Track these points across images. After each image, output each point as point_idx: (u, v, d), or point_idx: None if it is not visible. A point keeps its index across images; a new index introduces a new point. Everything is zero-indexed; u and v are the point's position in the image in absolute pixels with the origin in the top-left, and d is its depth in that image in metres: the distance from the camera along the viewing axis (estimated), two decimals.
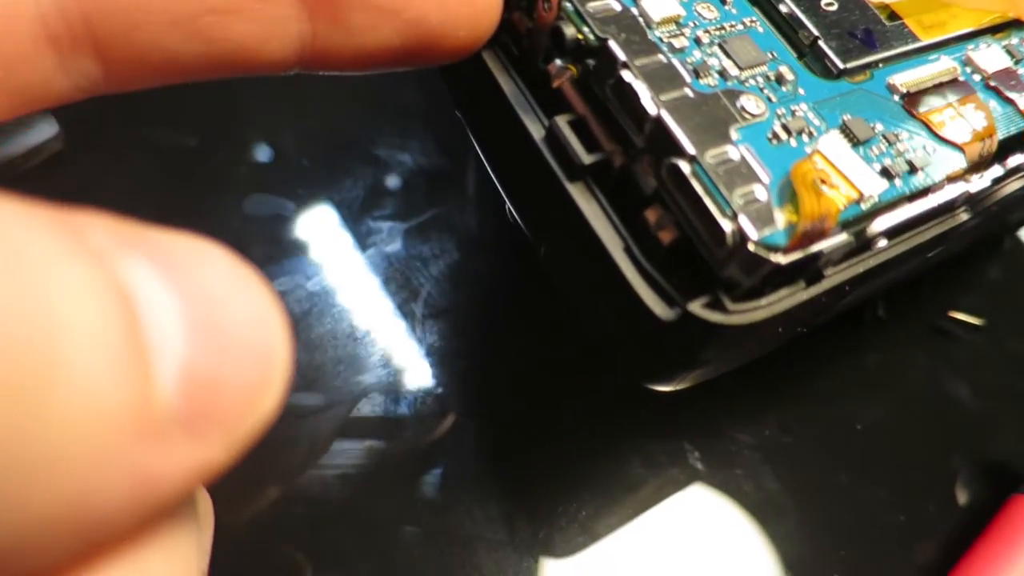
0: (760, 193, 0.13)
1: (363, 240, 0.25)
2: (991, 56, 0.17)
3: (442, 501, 0.20)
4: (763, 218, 0.13)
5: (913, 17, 0.17)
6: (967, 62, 0.17)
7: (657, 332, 0.14)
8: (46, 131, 0.24)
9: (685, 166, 0.13)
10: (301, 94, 0.27)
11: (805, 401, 0.23)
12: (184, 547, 0.07)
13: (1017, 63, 0.18)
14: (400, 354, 0.22)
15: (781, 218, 0.13)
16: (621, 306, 0.14)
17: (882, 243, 0.15)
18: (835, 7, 0.17)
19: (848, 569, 0.21)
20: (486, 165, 0.18)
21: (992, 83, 0.17)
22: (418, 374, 0.22)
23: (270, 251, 0.24)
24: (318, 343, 0.22)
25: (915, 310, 0.25)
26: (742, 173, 0.13)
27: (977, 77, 0.17)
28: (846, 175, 0.14)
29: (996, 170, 0.16)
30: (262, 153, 0.26)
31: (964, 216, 0.17)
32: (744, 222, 0.13)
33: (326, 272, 0.24)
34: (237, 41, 0.09)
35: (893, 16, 0.17)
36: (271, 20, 0.09)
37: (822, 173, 0.14)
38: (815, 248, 0.13)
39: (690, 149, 0.13)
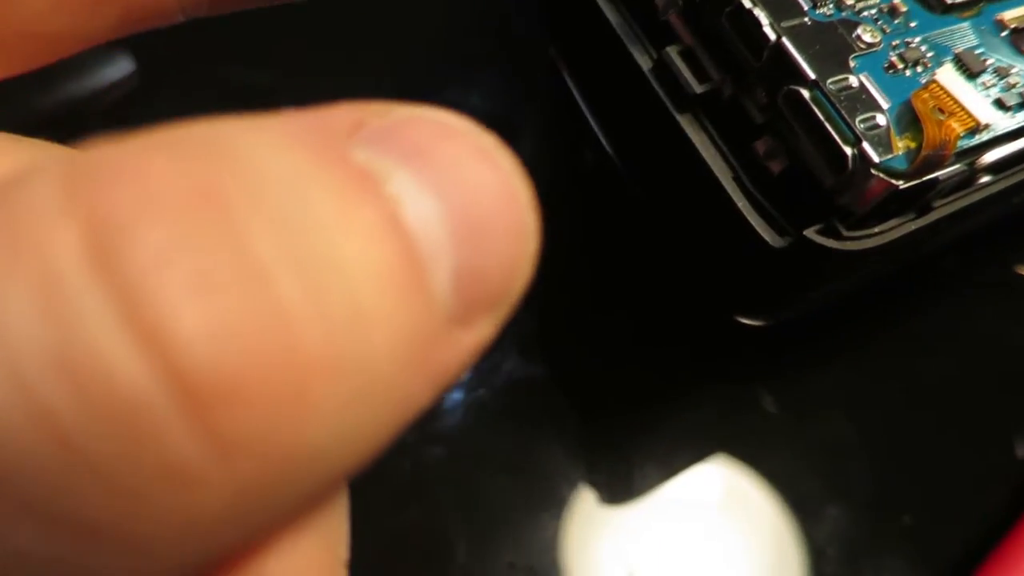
0: (880, 119, 0.13)
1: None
2: None
3: (523, 440, 0.21)
4: (884, 144, 0.13)
5: None
6: None
7: (768, 259, 0.14)
8: (124, 67, 0.24)
9: (806, 92, 0.13)
10: (367, 37, 0.27)
11: (877, 349, 0.23)
12: (333, 531, 0.07)
13: None
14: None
15: (901, 144, 0.13)
16: (731, 235, 0.15)
17: (986, 179, 0.16)
18: None
19: (917, 513, 0.21)
20: (580, 103, 0.19)
21: None
22: None
23: None
24: None
25: (985, 264, 0.25)
26: (862, 99, 0.13)
27: None
28: (964, 104, 0.14)
29: None
30: (330, 93, 0.26)
31: None
32: (867, 147, 0.13)
33: None
34: None
35: None
36: None
37: (939, 102, 0.14)
38: (933, 175, 0.14)
39: (811, 75, 0.13)
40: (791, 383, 0.22)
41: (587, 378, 0.22)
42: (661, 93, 0.15)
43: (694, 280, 0.18)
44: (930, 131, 0.13)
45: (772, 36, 0.14)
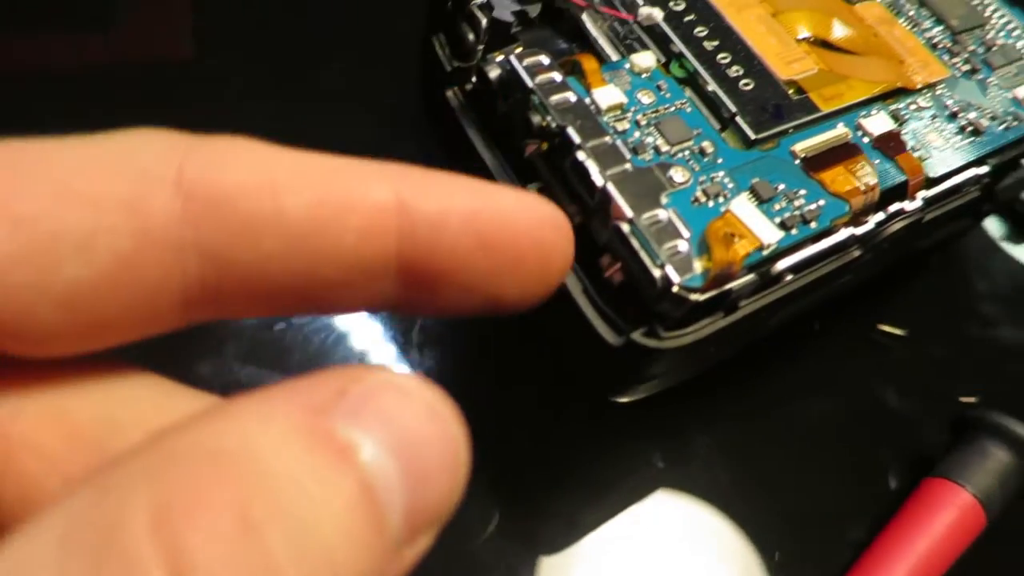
0: (682, 246, 0.17)
1: None
2: (878, 121, 0.22)
3: None
4: (684, 266, 0.17)
5: (816, 91, 0.22)
6: (858, 127, 0.21)
7: (609, 355, 0.18)
8: None
9: (625, 226, 0.17)
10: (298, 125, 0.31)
11: (754, 403, 0.27)
12: None
13: (901, 125, 0.22)
14: None
15: (699, 265, 0.17)
16: (582, 335, 0.19)
17: (788, 278, 0.20)
18: (751, 85, 0.21)
19: (789, 549, 0.25)
20: None
21: (877, 144, 0.21)
22: None
23: None
24: (317, 367, 0.26)
25: (848, 323, 0.29)
26: (668, 231, 0.17)
27: (866, 139, 0.21)
28: (750, 228, 0.18)
29: (879, 215, 0.20)
30: None
31: (857, 253, 0.21)
32: (669, 270, 0.17)
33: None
34: (337, 304, 0.10)
35: (800, 90, 0.21)
36: (372, 294, 0.10)
37: (730, 228, 0.18)
38: (726, 287, 0.18)
39: (628, 213, 0.17)
40: (675, 440, 0.26)
41: (497, 439, 0.25)
42: None
43: (570, 367, 0.21)
44: (717, 254, 0.17)
45: (600, 183, 0.18)
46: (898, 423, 0.28)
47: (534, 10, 0.21)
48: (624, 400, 0.21)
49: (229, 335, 0.25)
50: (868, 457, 0.27)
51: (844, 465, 0.27)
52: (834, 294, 0.25)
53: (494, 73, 0.20)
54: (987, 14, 0.27)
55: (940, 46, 0.25)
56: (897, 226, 0.21)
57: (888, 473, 0.27)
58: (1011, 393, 0.29)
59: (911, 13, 0.25)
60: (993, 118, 0.23)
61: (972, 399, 0.28)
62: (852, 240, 0.20)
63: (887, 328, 0.29)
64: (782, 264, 0.19)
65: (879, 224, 0.20)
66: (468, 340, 0.28)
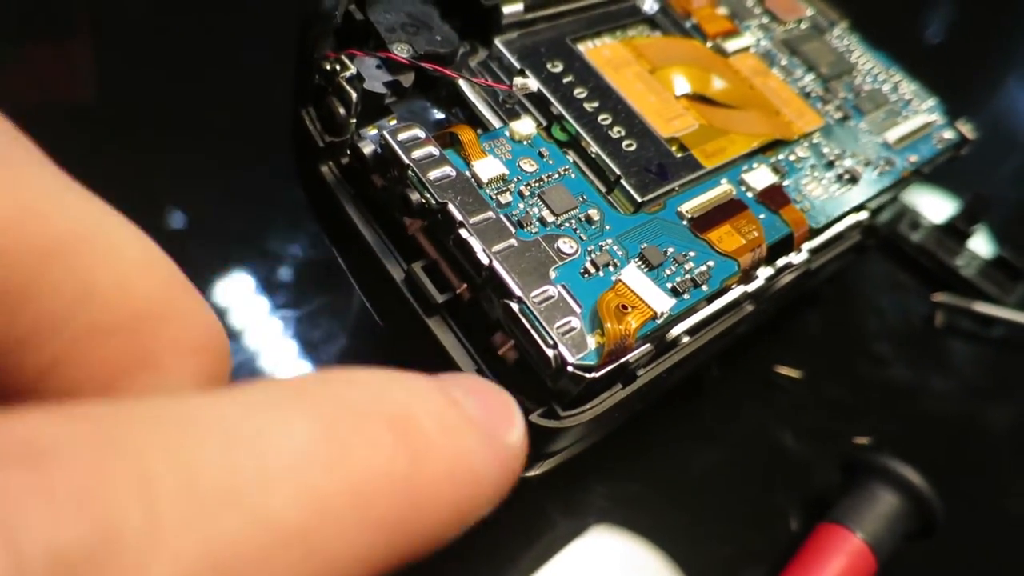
0: (575, 323, 0.17)
1: (256, 329, 0.27)
2: (760, 175, 0.22)
3: None
4: (578, 344, 0.16)
5: (698, 147, 0.22)
6: (741, 182, 0.21)
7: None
8: None
9: (515, 305, 0.17)
10: (191, 188, 0.29)
11: (651, 452, 0.27)
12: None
13: (782, 177, 0.22)
14: None
15: (592, 341, 0.17)
16: None
17: (685, 340, 0.19)
18: (634, 146, 0.21)
19: None
20: (360, 293, 0.21)
21: (761, 199, 0.21)
22: None
23: None
24: None
25: (745, 366, 0.29)
26: (560, 307, 0.17)
27: (750, 194, 0.21)
28: (642, 298, 0.18)
29: (768, 270, 0.20)
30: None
31: (750, 308, 0.21)
32: (563, 349, 0.16)
33: None
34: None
35: (682, 148, 0.21)
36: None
37: (622, 299, 0.17)
38: (622, 360, 0.17)
39: (517, 292, 0.17)
40: (572, 495, 0.25)
41: None
42: (412, 301, 0.18)
43: None
44: (610, 329, 0.17)
45: (485, 260, 0.17)
46: (795, 466, 0.28)
47: (408, 79, 0.20)
48: (533, 474, 0.20)
49: None
50: (766, 502, 0.27)
51: (742, 511, 0.26)
52: (730, 344, 0.25)
53: (368, 149, 0.19)
54: (853, 60, 0.28)
55: (813, 94, 0.26)
56: (787, 279, 0.21)
57: (788, 517, 0.27)
58: (903, 432, 0.30)
59: (783, 62, 0.26)
60: (867, 163, 0.24)
61: (865, 440, 0.28)
62: (744, 297, 0.20)
63: (784, 371, 0.29)
64: (677, 330, 0.18)
65: (769, 279, 0.20)
66: None
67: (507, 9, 0.22)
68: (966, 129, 0.27)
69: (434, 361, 0.18)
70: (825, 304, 0.33)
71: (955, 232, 0.35)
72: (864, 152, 0.24)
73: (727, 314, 0.20)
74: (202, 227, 0.29)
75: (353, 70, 0.19)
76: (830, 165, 0.23)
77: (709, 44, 0.25)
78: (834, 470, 0.26)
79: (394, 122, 0.19)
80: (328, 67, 0.19)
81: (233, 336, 0.27)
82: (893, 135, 0.25)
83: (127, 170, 0.29)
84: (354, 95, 0.19)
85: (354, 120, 0.19)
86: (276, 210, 0.30)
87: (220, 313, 0.27)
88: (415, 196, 0.18)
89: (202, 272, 0.28)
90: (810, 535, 0.24)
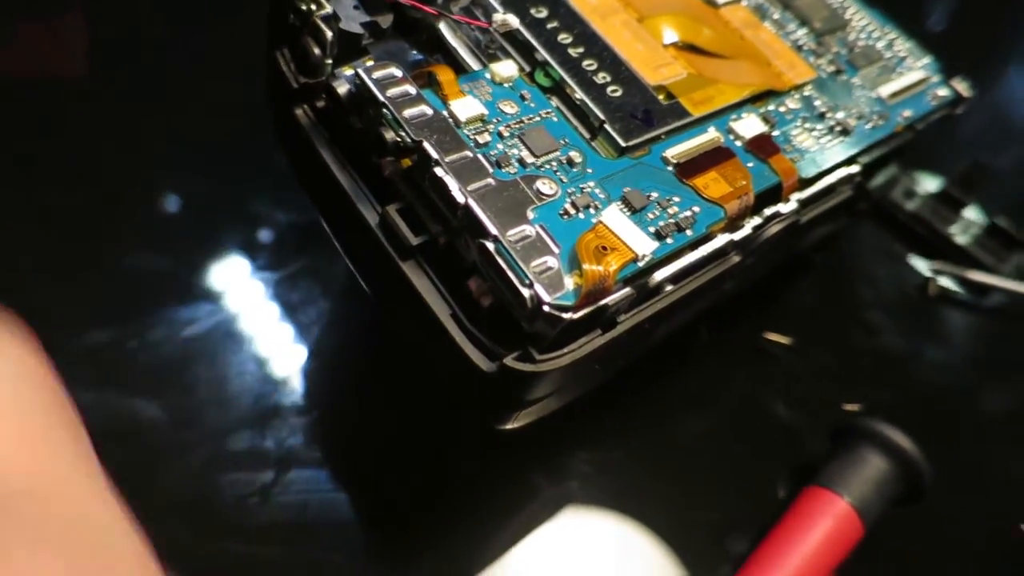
0: (552, 263, 0.16)
1: (236, 291, 0.27)
2: (749, 124, 0.21)
3: (314, 530, 0.22)
4: (555, 284, 0.16)
5: (686, 95, 0.21)
6: (729, 131, 0.21)
7: (484, 382, 0.17)
8: None
9: (490, 245, 0.16)
10: (180, 155, 0.29)
11: (636, 419, 0.26)
12: None
13: (772, 127, 0.22)
14: (268, 397, 0.24)
15: (570, 282, 0.16)
16: (454, 363, 0.17)
17: (668, 288, 0.19)
18: (620, 92, 0.20)
19: (665, 564, 0.24)
20: (334, 241, 0.21)
21: (750, 147, 0.21)
22: (286, 415, 0.24)
23: (147, 302, 0.25)
24: (192, 386, 0.24)
25: (735, 333, 0.29)
26: (537, 247, 0.16)
27: (738, 143, 0.21)
28: (623, 240, 0.17)
29: (756, 219, 0.20)
30: (144, 213, 0.28)
31: (736, 258, 0.20)
32: (539, 289, 0.16)
33: (200, 322, 0.25)
34: None
35: (669, 96, 0.21)
36: None
37: (603, 240, 0.17)
38: (601, 303, 0.16)
39: (493, 231, 0.16)
40: (557, 457, 0.25)
41: (369, 467, 0.24)
42: (386, 245, 0.18)
43: (453, 395, 0.20)
44: (588, 270, 0.16)
45: (461, 199, 0.16)
46: (785, 433, 0.27)
47: (386, 21, 0.19)
48: (512, 427, 0.20)
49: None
50: (753, 469, 0.26)
51: (728, 478, 0.26)
52: (719, 301, 0.24)
53: (343, 89, 0.18)
54: (848, 16, 0.27)
55: (805, 48, 0.25)
56: (775, 229, 0.21)
57: (776, 484, 0.26)
58: (894, 400, 0.29)
59: (776, 16, 0.26)
60: (860, 117, 0.24)
61: (856, 407, 0.28)
62: (731, 246, 0.19)
63: (773, 337, 0.29)
64: (659, 275, 0.18)
65: (756, 228, 0.20)
66: (344, 356, 0.26)
67: None
68: (962, 87, 0.26)
69: (410, 309, 0.18)
70: (817, 273, 0.32)
71: (950, 200, 0.34)
72: (857, 106, 0.24)
73: (713, 263, 0.19)
74: (186, 192, 0.29)
75: (329, 9, 0.19)
76: (821, 117, 0.23)
77: None
78: (824, 438, 0.26)
79: (371, 62, 0.19)
80: (303, 6, 0.19)
81: (213, 297, 0.26)
82: (887, 90, 0.25)
83: (114, 139, 0.29)
84: (329, 34, 0.18)
85: (330, 61, 0.19)
86: (259, 173, 0.30)
87: (202, 274, 0.27)
88: (390, 135, 0.17)
89: (184, 235, 0.28)
90: (796, 499, 0.23)
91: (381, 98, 0.17)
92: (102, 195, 0.27)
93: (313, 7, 0.19)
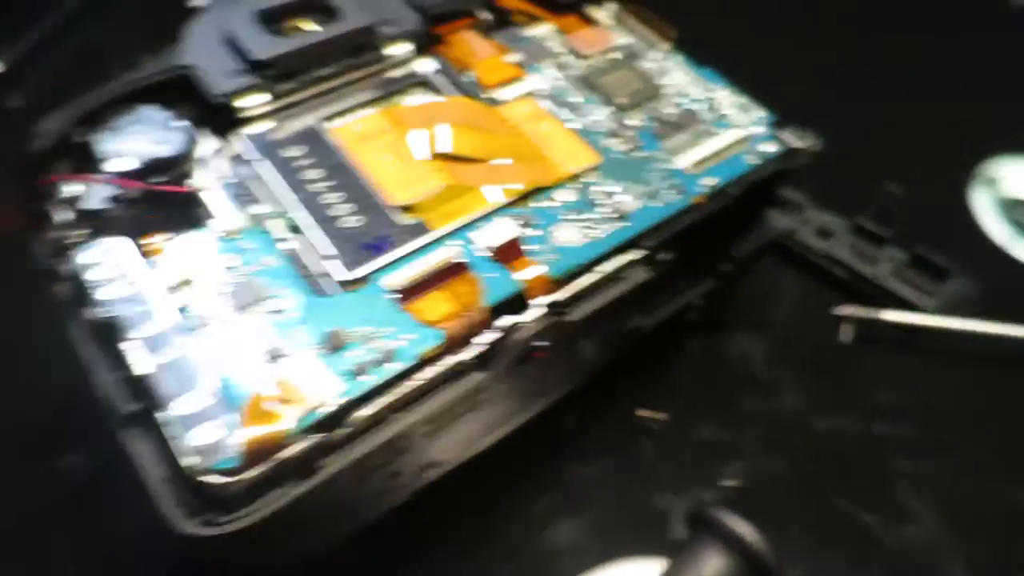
0: (216, 429, 0.16)
1: None
2: (499, 230, 0.21)
3: None
4: (214, 450, 0.16)
5: (436, 210, 0.21)
6: (472, 241, 0.20)
7: (194, 545, 0.17)
8: None
9: (159, 415, 0.17)
10: None
11: (492, 519, 0.25)
12: None
13: (530, 227, 0.21)
14: None
15: (234, 446, 0.16)
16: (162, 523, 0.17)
17: (395, 419, 0.18)
18: (360, 221, 0.20)
19: None
20: None
21: (494, 256, 0.20)
22: None
23: None
24: None
25: (607, 413, 0.27)
26: (205, 414, 0.16)
27: (482, 253, 0.20)
28: (302, 389, 0.17)
29: (493, 334, 0.19)
30: None
31: (480, 374, 0.19)
32: (193, 460, 0.16)
33: None
34: None
35: (414, 215, 0.21)
36: None
37: (281, 394, 0.17)
38: (277, 458, 0.16)
39: (160, 402, 0.17)
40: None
41: None
42: (109, 413, 0.18)
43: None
44: (251, 431, 0.16)
45: (139, 372, 0.17)
46: (656, 518, 0.25)
47: (132, 192, 0.21)
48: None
49: None
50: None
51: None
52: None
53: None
54: (664, 82, 0.26)
55: (602, 130, 0.24)
56: (523, 336, 0.20)
57: None
58: (788, 469, 0.27)
59: (575, 100, 0.25)
60: (650, 196, 0.22)
61: (736, 482, 0.25)
62: (462, 366, 0.19)
63: (647, 414, 0.27)
64: (364, 412, 0.18)
65: (494, 343, 0.19)
66: None
67: (245, 102, 0.22)
68: (793, 139, 0.25)
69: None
70: (706, 332, 0.30)
71: (868, 236, 0.31)
72: (648, 183, 0.23)
73: (443, 385, 0.19)
74: None
75: (72, 192, 0.20)
76: (591, 206, 0.22)
77: (485, 96, 0.24)
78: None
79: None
80: (51, 191, 0.20)
81: None
82: (690, 159, 0.23)
83: None
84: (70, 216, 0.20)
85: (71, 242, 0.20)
86: None
87: None
88: (96, 310, 0.18)
89: None
90: None
91: (86, 282, 0.18)
92: None
93: (59, 191, 0.20)
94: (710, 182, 0.23)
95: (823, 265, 0.32)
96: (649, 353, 0.28)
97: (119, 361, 0.18)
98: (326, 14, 0.24)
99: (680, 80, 0.26)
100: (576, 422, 0.27)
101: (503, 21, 0.27)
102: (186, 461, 0.16)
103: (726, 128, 0.25)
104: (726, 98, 0.26)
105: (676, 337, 0.30)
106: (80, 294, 0.19)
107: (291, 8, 0.23)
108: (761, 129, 0.25)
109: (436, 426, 0.19)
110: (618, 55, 0.27)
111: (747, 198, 0.24)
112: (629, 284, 0.22)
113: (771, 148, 0.24)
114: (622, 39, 0.27)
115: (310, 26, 0.23)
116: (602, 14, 0.28)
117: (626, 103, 0.25)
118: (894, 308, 0.30)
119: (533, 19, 0.27)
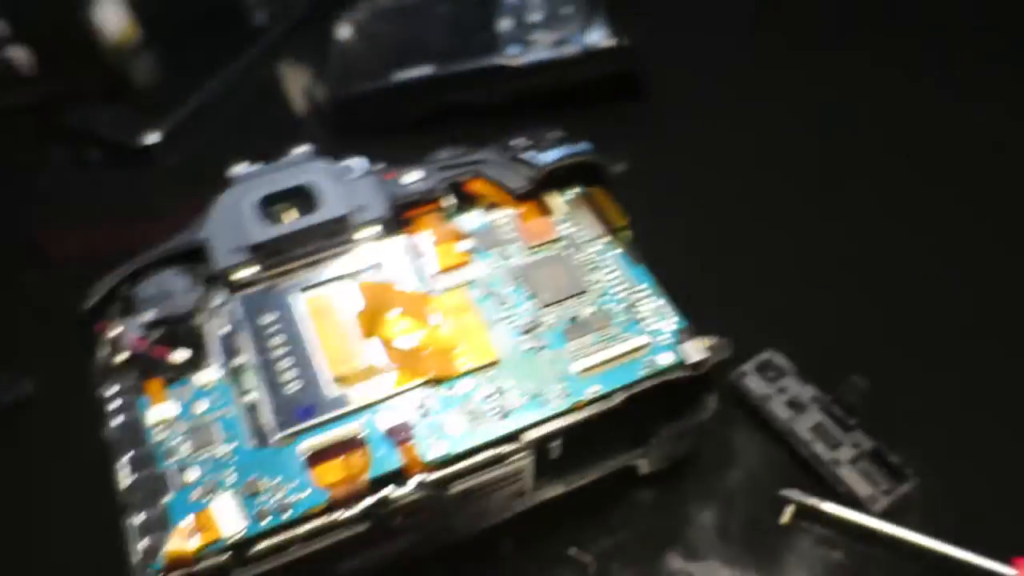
0: (156, 540, 0.24)
1: None
2: (399, 412, 0.27)
3: None
4: (150, 555, 0.24)
5: (355, 386, 0.28)
6: (375, 420, 0.27)
7: None
8: None
9: (125, 522, 0.24)
10: None
11: None
12: None
13: (424, 414, 0.27)
14: None
15: (163, 555, 0.24)
16: None
17: (296, 548, 0.25)
18: (298, 387, 0.27)
19: None
20: None
21: (390, 435, 0.27)
22: None
23: None
24: None
25: (545, 543, 0.31)
26: (152, 525, 0.24)
27: (379, 431, 0.27)
28: (216, 521, 0.24)
29: (369, 500, 0.26)
30: None
31: (359, 528, 0.26)
32: (140, 560, 0.24)
33: None
34: None
35: (341, 387, 0.28)
36: None
37: (202, 522, 0.24)
38: (191, 570, 0.24)
39: (125, 513, 0.24)
40: None
41: None
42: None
43: None
44: (171, 545, 0.24)
45: (122, 486, 0.25)
46: None
47: (155, 334, 0.29)
48: None
49: None
50: None
51: None
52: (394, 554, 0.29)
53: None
54: (595, 278, 0.31)
55: (517, 325, 0.29)
56: (400, 504, 0.26)
57: None
58: None
59: (507, 291, 0.30)
60: (535, 395, 0.28)
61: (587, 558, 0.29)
62: (342, 521, 0.25)
63: (576, 553, 0.30)
64: (262, 545, 0.25)
65: (370, 507, 0.26)
66: None
67: (240, 275, 0.30)
68: (693, 351, 0.28)
69: None
70: (660, 487, 0.32)
71: (836, 419, 0.33)
72: (539, 383, 0.28)
73: (327, 534, 0.25)
74: None
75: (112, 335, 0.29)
76: (483, 399, 0.27)
77: (433, 279, 0.30)
78: None
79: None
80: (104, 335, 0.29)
81: None
82: (580, 365, 0.28)
83: None
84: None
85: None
86: None
87: None
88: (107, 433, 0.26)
89: None
90: None
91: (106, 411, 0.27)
92: None
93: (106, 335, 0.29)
94: (594, 389, 0.28)
95: (787, 440, 0.33)
96: (603, 494, 0.31)
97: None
98: (309, 201, 0.31)
99: (608, 278, 0.31)
100: (513, 548, 0.31)
101: (469, 205, 0.33)
102: (133, 559, 0.24)
103: (634, 333, 0.29)
104: (646, 300, 0.30)
105: (629, 486, 0.32)
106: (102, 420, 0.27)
107: (283, 196, 0.31)
108: (666, 337, 0.29)
109: (333, 554, 0.26)
110: (559, 247, 0.32)
111: (641, 401, 0.28)
112: (510, 467, 0.27)
113: (667, 359, 0.28)
114: (568, 229, 0.32)
115: (292, 215, 0.31)
116: (559, 200, 0.33)
117: (549, 299, 0.30)
118: (838, 502, 0.31)
119: (494, 205, 0.33)
